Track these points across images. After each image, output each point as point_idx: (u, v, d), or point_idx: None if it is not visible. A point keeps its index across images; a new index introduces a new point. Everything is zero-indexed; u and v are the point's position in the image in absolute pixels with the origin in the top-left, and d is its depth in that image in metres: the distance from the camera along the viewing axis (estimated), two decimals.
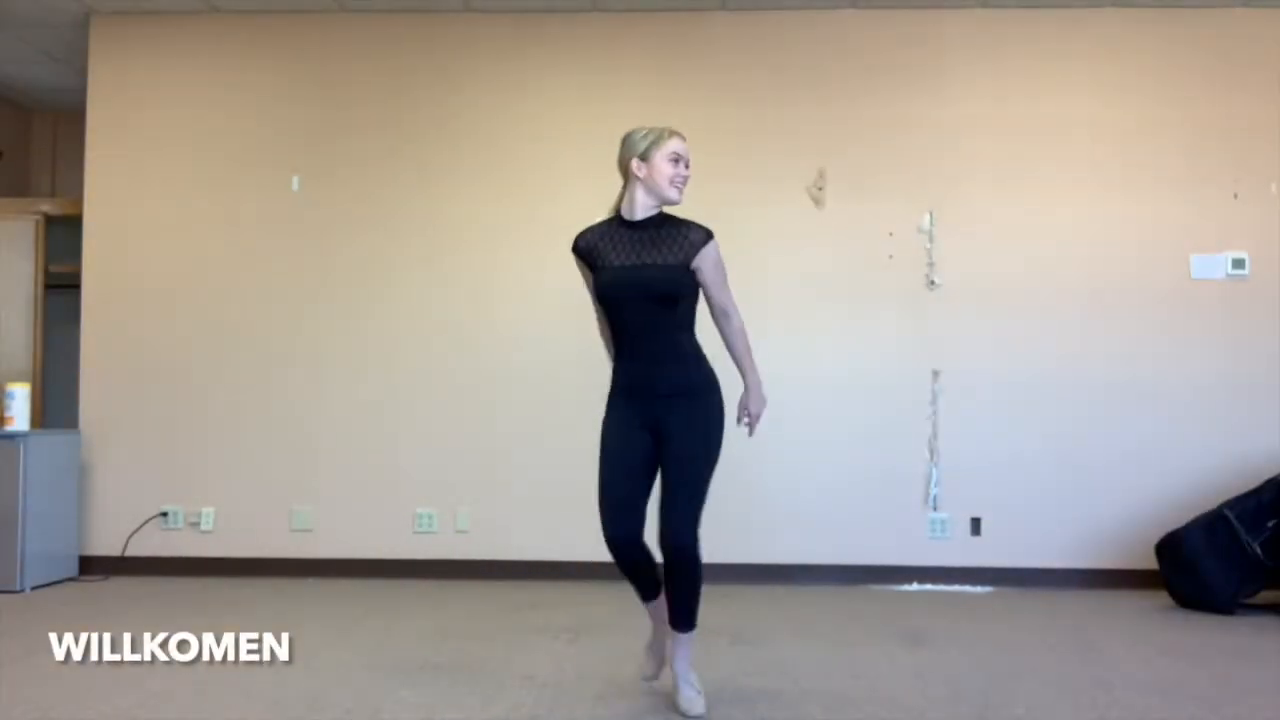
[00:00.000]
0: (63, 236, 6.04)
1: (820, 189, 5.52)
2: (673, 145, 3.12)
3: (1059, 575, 5.30)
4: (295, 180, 5.61)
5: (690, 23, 5.59)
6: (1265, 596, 4.79)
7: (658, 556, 3.06)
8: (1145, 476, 5.33)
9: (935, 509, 5.40)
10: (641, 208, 3.16)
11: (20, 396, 5.19)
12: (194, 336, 5.58)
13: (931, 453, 5.41)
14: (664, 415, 3.05)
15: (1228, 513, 4.76)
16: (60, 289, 6.11)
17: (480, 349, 5.53)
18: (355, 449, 5.52)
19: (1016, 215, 5.47)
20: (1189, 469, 5.32)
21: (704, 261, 3.10)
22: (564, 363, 5.50)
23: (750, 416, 3.17)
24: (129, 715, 2.99)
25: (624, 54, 5.61)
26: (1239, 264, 5.39)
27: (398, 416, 5.52)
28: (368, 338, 5.56)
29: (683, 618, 3.05)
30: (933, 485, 5.39)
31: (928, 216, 5.49)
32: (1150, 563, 5.00)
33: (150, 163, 5.65)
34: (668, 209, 3.17)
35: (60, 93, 6.74)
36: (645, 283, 3.04)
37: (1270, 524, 4.68)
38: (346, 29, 5.66)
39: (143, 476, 5.54)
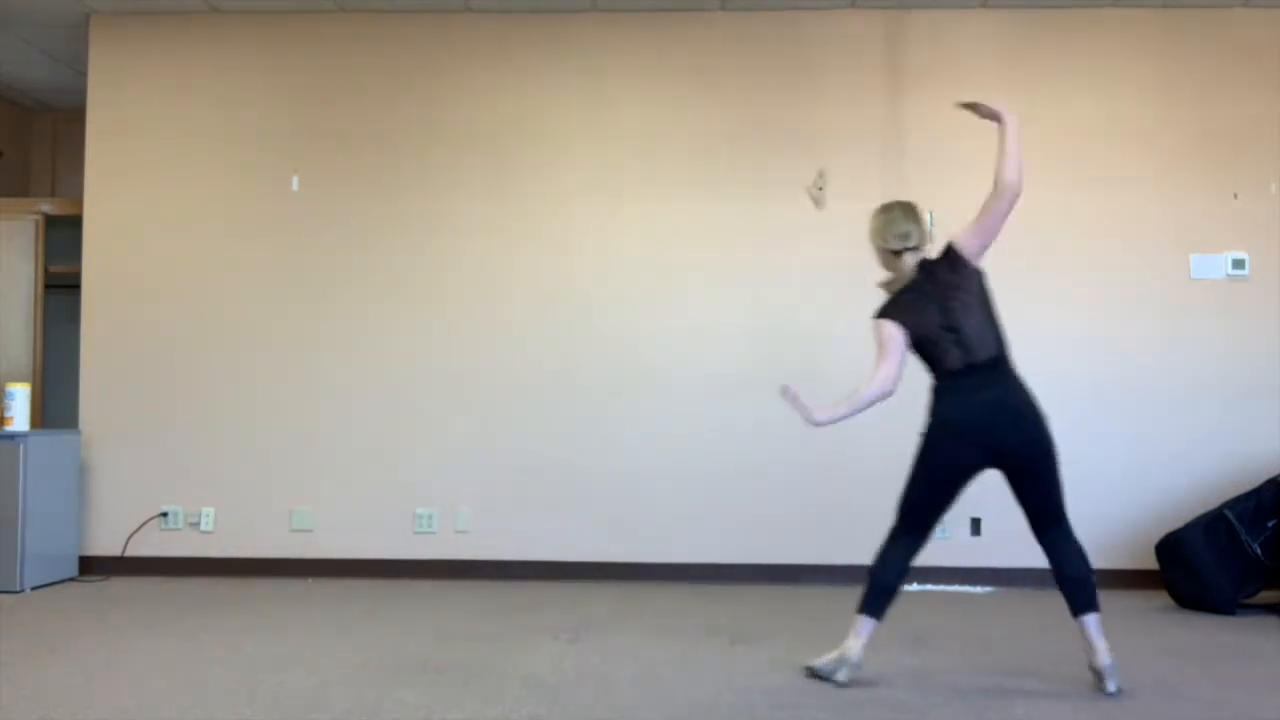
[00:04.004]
0: (63, 236, 6.04)
1: (820, 189, 5.52)
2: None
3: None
4: (295, 180, 5.61)
5: (690, 23, 5.59)
6: (1265, 596, 4.80)
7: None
8: (1145, 477, 5.34)
9: None
10: None
11: (20, 396, 5.19)
12: (194, 337, 5.58)
13: None
14: None
15: (1228, 513, 4.77)
16: (60, 289, 6.12)
17: (481, 349, 5.53)
18: (355, 449, 5.52)
19: (1016, 215, 5.45)
20: (1189, 469, 5.33)
21: None
22: (565, 364, 5.51)
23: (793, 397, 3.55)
24: (129, 715, 2.99)
25: (624, 54, 5.61)
26: (1239, 264, 5.39)
27: (398, 416, 5.52)
28: (368, 338, 5.56)
29: None
30: None
31: (928, 216, 5.47)
32: (1150, 563, 5.00)
33: (150, 163, 5.65)
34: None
35: (60, 93, 6.74)
36: None
37: (1270, 524, 4.69)
38: (346, 29, 5.66)
39: (143, 476, 5.54)
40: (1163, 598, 4.89)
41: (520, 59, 5.63)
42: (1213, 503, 5.03)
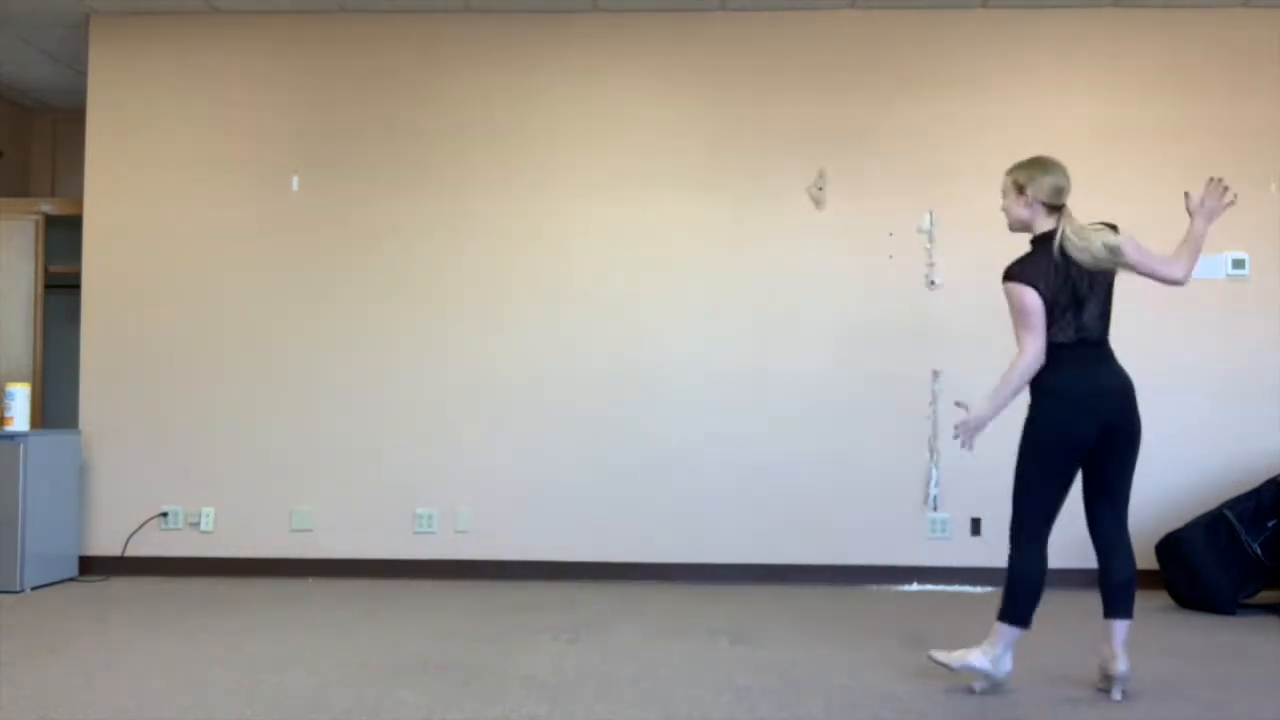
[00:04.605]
0: (63, 236, 6.04)
1: (820, 189, 5.52)
2: None
3: (1059, 575, 5.25)
4: (295, 180, 5.61)
5: (690, 23, 5.59)
6: (1265, 596, 4.80)
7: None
8: (1145, 477, 5.25)
9: (935, 509, 5.40)
10: None
11: (20, 396, 5.19)
12: (194, 337, 5.58)
13: (931, 453, 5.41)
14: None
15: (1228, 513, 4.77)
16: (60, 289, 6.12)
17: (481, 349, 5.53)
18: (355, 449, 5.52)
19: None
20: (1189, 469, 5.33)
21: None
22: (565, 364, 5.51)
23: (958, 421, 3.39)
24: (129, 715, 2.99)
25: (624, 54, 5.61)
26: (1239, 264, 5.39)
27: (398, 417, 5.52)
28: (368, 338, 5.56)
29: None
30: (933, 485, 5.39)
31: (928, 216, 5.49)
32: (1150, 563, 4.99)
33: (150, 163, 5.65)
34: (1032, 237, 3.44)
35: (60, 93, 6.74)
36: None
37: (1270, 524, 4.69)
38: (346, 29, 5.66)
39: (143, 476, 5.54)
40: (1163, 598, 4.90)
41: (520, 59, 5.63)
42: (1213, 503, 5.03)
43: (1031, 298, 3.24)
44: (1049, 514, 3.30)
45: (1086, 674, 3.47)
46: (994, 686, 3.29)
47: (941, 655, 3.34)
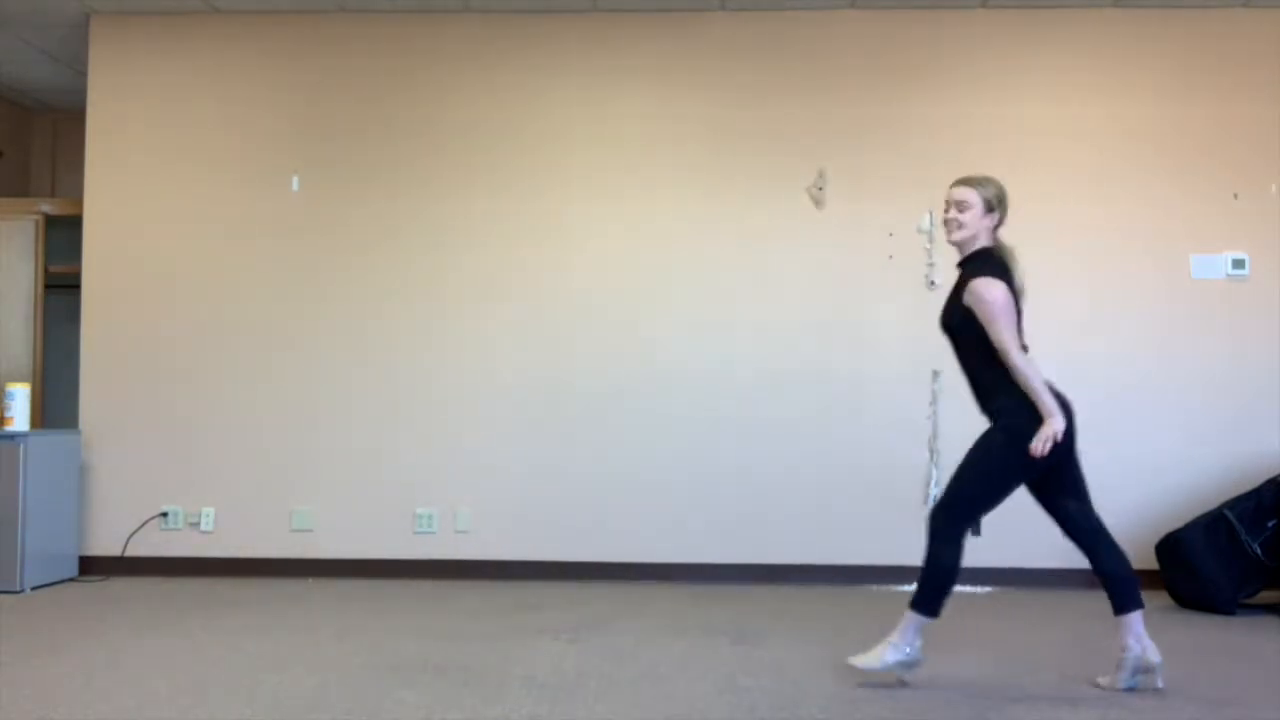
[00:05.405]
0: (63, 236, 6.04)
1: (820, 189, 5.52)
2: (947, 195, 3.45)
3: (1059, 575, 5.30)
4: (295, 180, 5.62)
5: (690, 23, 5.59)
6: (1265, 596, 4.80)
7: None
8: (1145, 476, 5.34)
9: None
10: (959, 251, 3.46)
11: (20, 396, 5.19)
12: (194, 336, 5.59)
13: (931, 453, 5.41)
14: None
15: (1228, 513, 4.77)
16: (60, 289, 6.12)
17: (481, 350, 5.53)
18: (355, 449, 5.52)
19: (1016, 215, 5.40)
20: (1189, 469, 5.33)
21: (970, 298, 3.29)
22: (565, 364, 5.51)
23: (1041, 440, 3.21)
24: (129, 715, 2.99)
25: (624, 54, 5.62)
26: (1239, 264, 5.39)
27: (398, 416, 5.53)
28: (368, 338, 5.56)
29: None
30: (933, 485, 5.39)
31: (928, 216, 5.49)
32: (1150, 563, 5.00)
33: (150, 163, 5.65)
34: (976, 249, 3.41)
35: (60, 93, 6.74)
36: (942, 316, 3.44)
37: (1270, 524, 4.69)
38: (346, 29, 5.66)
39: (143, 476, 5.54)
40: (1163, 598, 4.89)
41: (520, 59, 5.63)
42: (1213, 503, 5.03)
43: (1010, 297, 3.28)
44: (986, 514, 3.45)
45: (1086, 674, 3.47)
46: (913, 670, 3.33)
47: (860, 661, 3.34)
